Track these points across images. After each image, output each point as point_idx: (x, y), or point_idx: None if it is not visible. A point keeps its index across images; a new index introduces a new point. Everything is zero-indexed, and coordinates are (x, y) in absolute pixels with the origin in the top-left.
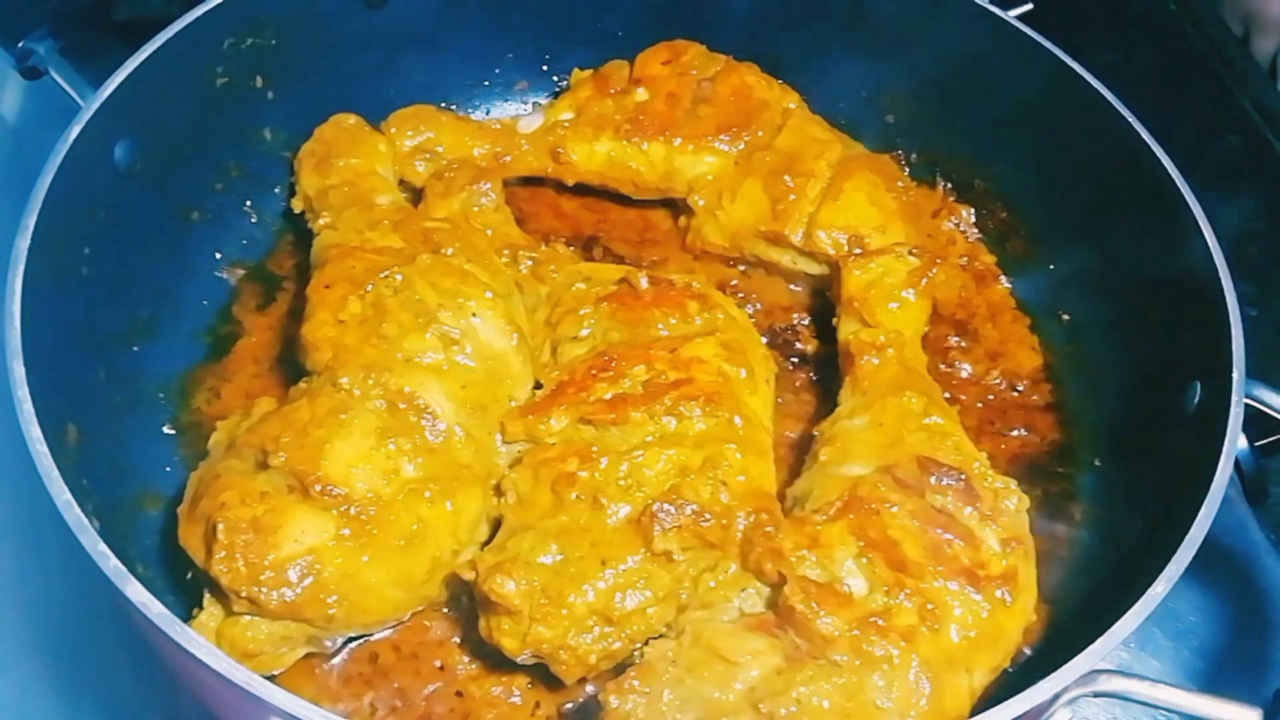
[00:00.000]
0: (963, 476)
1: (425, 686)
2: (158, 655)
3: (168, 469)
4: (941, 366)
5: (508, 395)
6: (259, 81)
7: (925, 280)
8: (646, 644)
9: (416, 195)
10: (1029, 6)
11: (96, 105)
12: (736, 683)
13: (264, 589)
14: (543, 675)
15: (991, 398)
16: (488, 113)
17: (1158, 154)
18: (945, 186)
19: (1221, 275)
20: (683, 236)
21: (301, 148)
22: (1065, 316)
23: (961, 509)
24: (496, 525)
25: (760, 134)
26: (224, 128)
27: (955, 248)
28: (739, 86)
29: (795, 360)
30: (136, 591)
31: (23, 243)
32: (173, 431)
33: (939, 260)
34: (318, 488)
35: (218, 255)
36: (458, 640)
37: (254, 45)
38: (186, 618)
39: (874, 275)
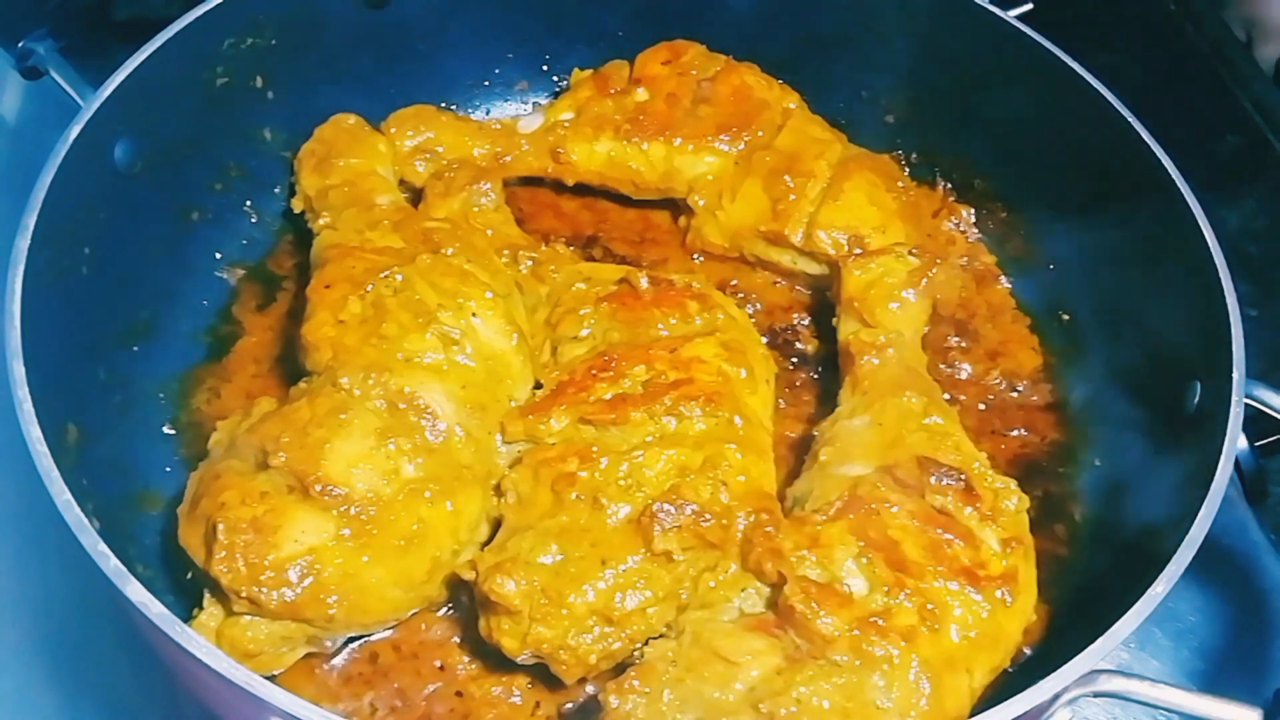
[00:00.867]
0: (963, 476)
1: (425, 686)
2: (158, 655)
3: (168, 469)
4: (941, 366)
5: (508, 395)
6: (259, 81)
7: (925, 280)
8: (646, 644)
9: (416, 195)
10: (1029, 6)
11: (96, 105)
12: (736, 683)
13: (264, 589)
14: (543, 675)
15: (991, 398)
16: (488, 113)
17: (1158, 154)
18: (945, 186)
19: (1221, 275)
20: (683, 236)
21: (301, 148)
22: (1065, 316)
23: (961, 509)
24: (496, 525)
25: (760, 134)
26: (224, 128)
27: (955, 248)
28: (739, 86)
29: (795, 360)
30: (136, 591)
31: (23, 243)
32: (173, 431)
33: (939, 260)
34: (318, 488)
35: (218, 255)
36: (458, 640)
37: (254, 45)
38: (186, 618)
39: (874, 275)
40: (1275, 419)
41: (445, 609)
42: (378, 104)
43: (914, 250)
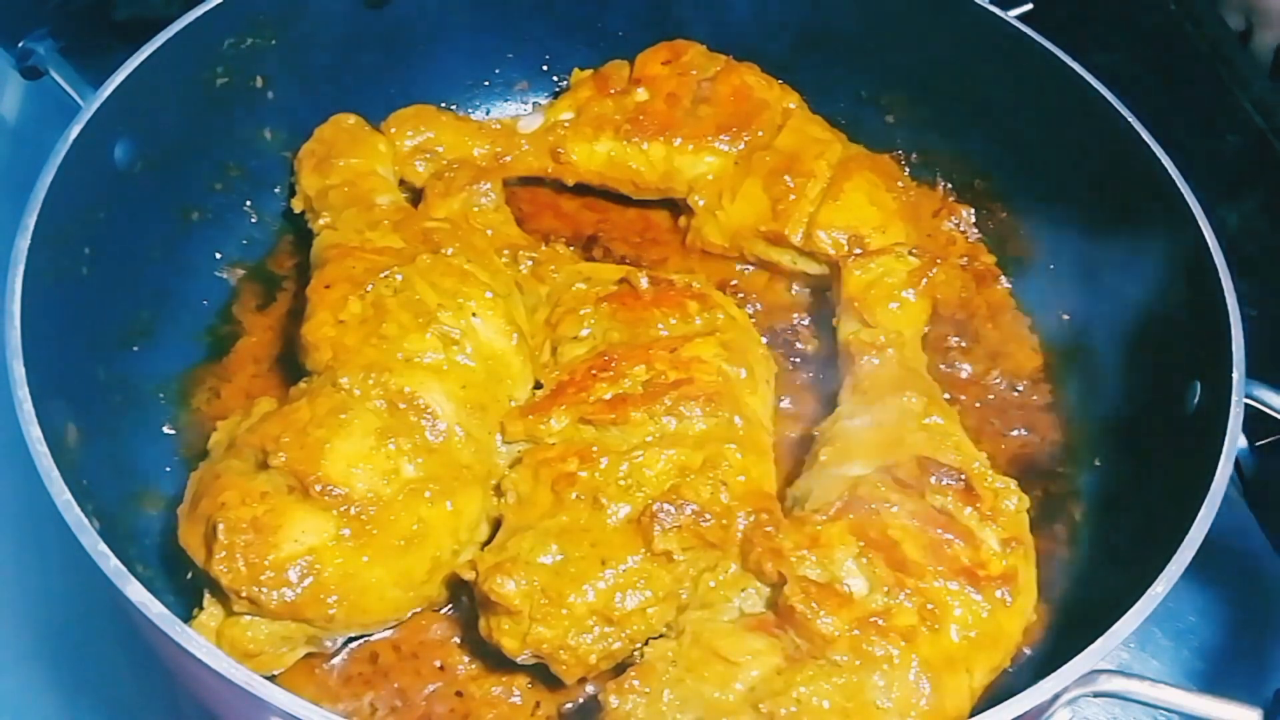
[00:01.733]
0: (963, 476)
1: (425, 686)
2: (158, 655)
3: (168, 469)
4: (941, 366)
5: (508, 395)
6: (259, 81)
7: (925, 280)
8: (646, 644)
9: (416, 195)
10: (1029, 6)
11: (96, 105)
12: (736, 683)
13: (264, 589)
14: (543, 675)
15: (991, 398)
16: (488, 113)
17: (1158, 154)
18: (945, 186)
19: (1221, 275)
20: (683, 236)
21: (301, 148)
22: (1065, 316)
23: (961, 509)
24: (497, 525)
25: (760, 134)
26: (224, 128)
27: (955, 248)
28: (739, 86)
29: (795, 360)
30: (136, 591)
31: (23, 243)
32: (173, 431)
33: (939, 260)
34: (318, 488)
35: (218, 255)
36: (458, 640)
37: (254, 45)
38: (186, 618)
39: (874, 275)
40: (1275, 419)
41: (445, 609)
42: (378, 104)
43: (914, 250)
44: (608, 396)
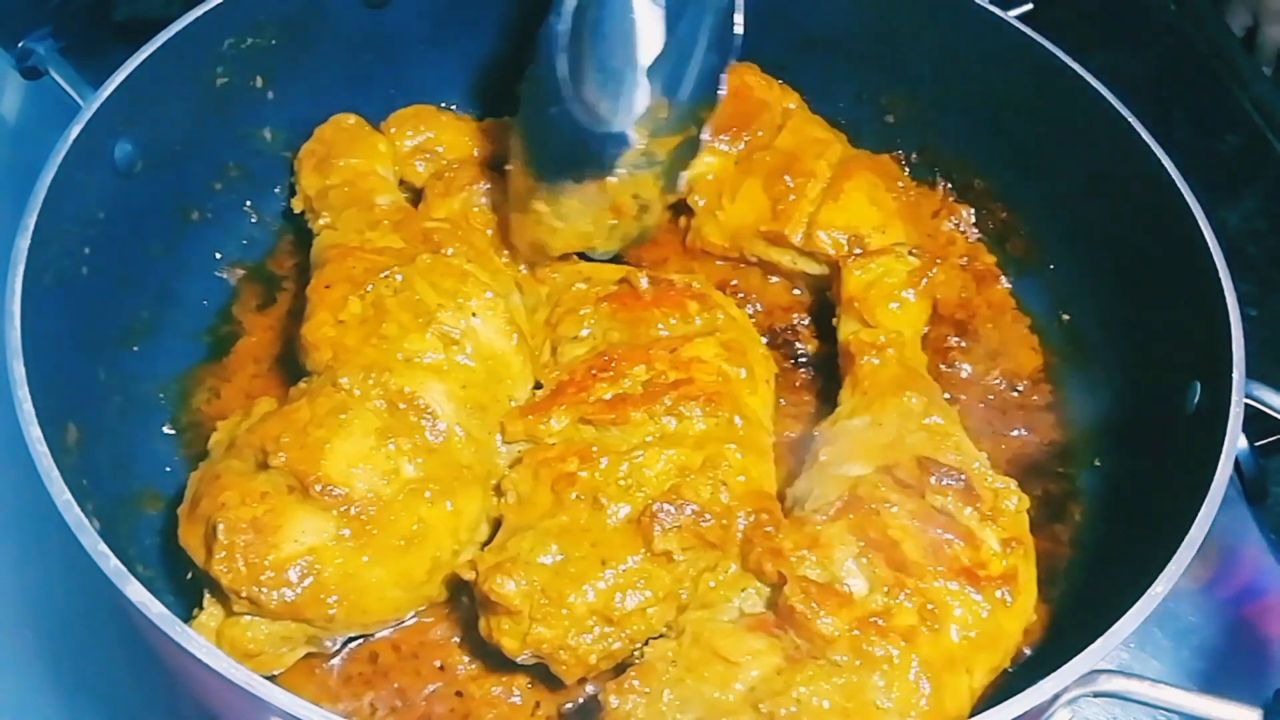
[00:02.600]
0: (963, 476)
1: (425, 686)
2: (158, 655)
3: (168, 469)
4: (941, 366)
5: (508, 395)
6: (259, 81)
7: (925, 280)
8: (647, 644)
9: (417, 195)
10: (1029, 6)
11: (96, 105)
12: (736, 683)
13: (264, 589)
14: (543, 675)
15: (991, 398)
16: (486, 116)
17: (1158, 154)
18: (945, 186)
19: (1221, 275)
20: (683, 236)
21: (302, 148)
22: (1065, 316)
23: (961, 509)
24: (497, 525)
25: (760, 134)
26: (224, 128)
27: (955, 248)
28: (739, 87)
29: (795, 360)
30: (136, 591)
31: (23, 242)
32: (173, 431)
33: (939, 260)
34: (318, 488)
35: (218, 255)
36: (458, 640)
37: (254, 45)
38: (187, 618)
39: (874, 275)
40: (1275, 419)
41: (445, 609)
42: (378, 104)
43: (914, 250)
44: (608, 396)
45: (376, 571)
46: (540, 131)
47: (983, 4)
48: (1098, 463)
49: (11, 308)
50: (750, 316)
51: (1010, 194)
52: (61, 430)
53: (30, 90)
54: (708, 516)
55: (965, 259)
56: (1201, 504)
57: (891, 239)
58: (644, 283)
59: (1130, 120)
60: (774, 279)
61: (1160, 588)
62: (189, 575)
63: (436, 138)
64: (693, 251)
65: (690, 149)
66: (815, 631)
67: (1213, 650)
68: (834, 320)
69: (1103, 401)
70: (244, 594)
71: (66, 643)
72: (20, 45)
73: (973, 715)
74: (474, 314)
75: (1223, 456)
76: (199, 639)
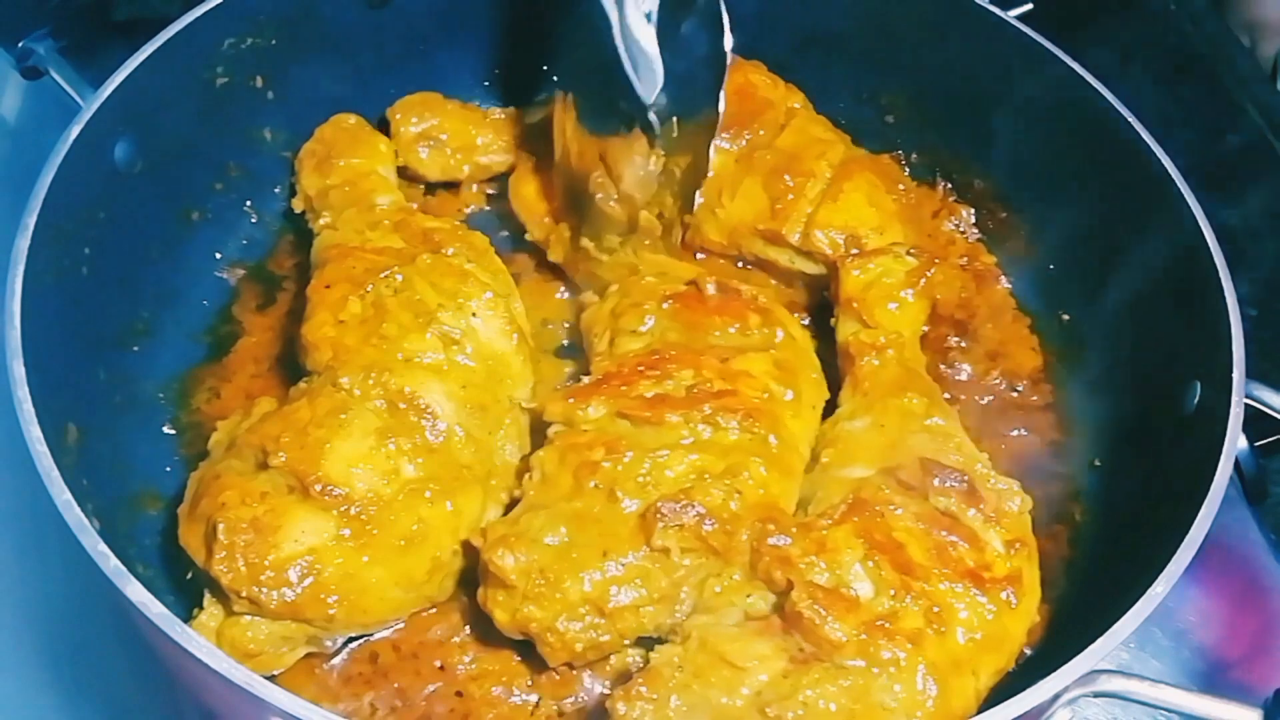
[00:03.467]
0: (965, 478)
1: (425, 686)
2: (158, 655)
3: (168, 469)
4: (941, 367)
5: (508, 395)
6: (259, 81)
7: (923, 280)
8: (652, 649)
9: (420, 184)
10: (1029, 6)
11: (96, 105)
12: (743, 687)
13: (264, 589)
14: (543, 676)
15: (991, 398)
16: (491, 105)
17: (1158, 154)
18: (945, 186)
19: (1221, 275)
20: (681, 233)
21: (302, 148)
22: (1065, 316)
23: (965, 510)
24: (514, 502)
25: (762, 133)
26: (224, 128)
27: (955, 248)
28: (743, 85)
29: None
30: (136, 592)
31: (23, 243)
32: (173, 431)
33: (937, 260)
34: (318, 488)
35: (218, 255)
36: (458, 640)
37: (254, 45)
38: (187, 618)
39: (872, 276)
40: (1275, 419)
41: (445, 609)
42: (378, 104)
43: (912, 250)
44: (649, 395)
45: (376, 571)
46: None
47: (983, 4)
48: (1098, 463)
49: (11, 308)
50: None
51: (1010, 194)
52: (61, 430)
53: (30, 90)
54: (711, 520)
55: (965, 259)
56: (1201, 504)
57: (889, 240)
58: (711, 288)
59: (1130, 120)
60: (773, 279)
61: (1160, 588)
62: (189, 575)
63: (441, 125)
64: (691, 249)
65: (700, 167)
66: (824, 637)
67: (1213, 650)
68: (833, 321)
69: (1103, 401)
70: (244, 594)
71: (66, 643)
72: (20, 45)
73: (973, 716)
74: (474, 314)
75: (1223, 457)
76: (199, 639)
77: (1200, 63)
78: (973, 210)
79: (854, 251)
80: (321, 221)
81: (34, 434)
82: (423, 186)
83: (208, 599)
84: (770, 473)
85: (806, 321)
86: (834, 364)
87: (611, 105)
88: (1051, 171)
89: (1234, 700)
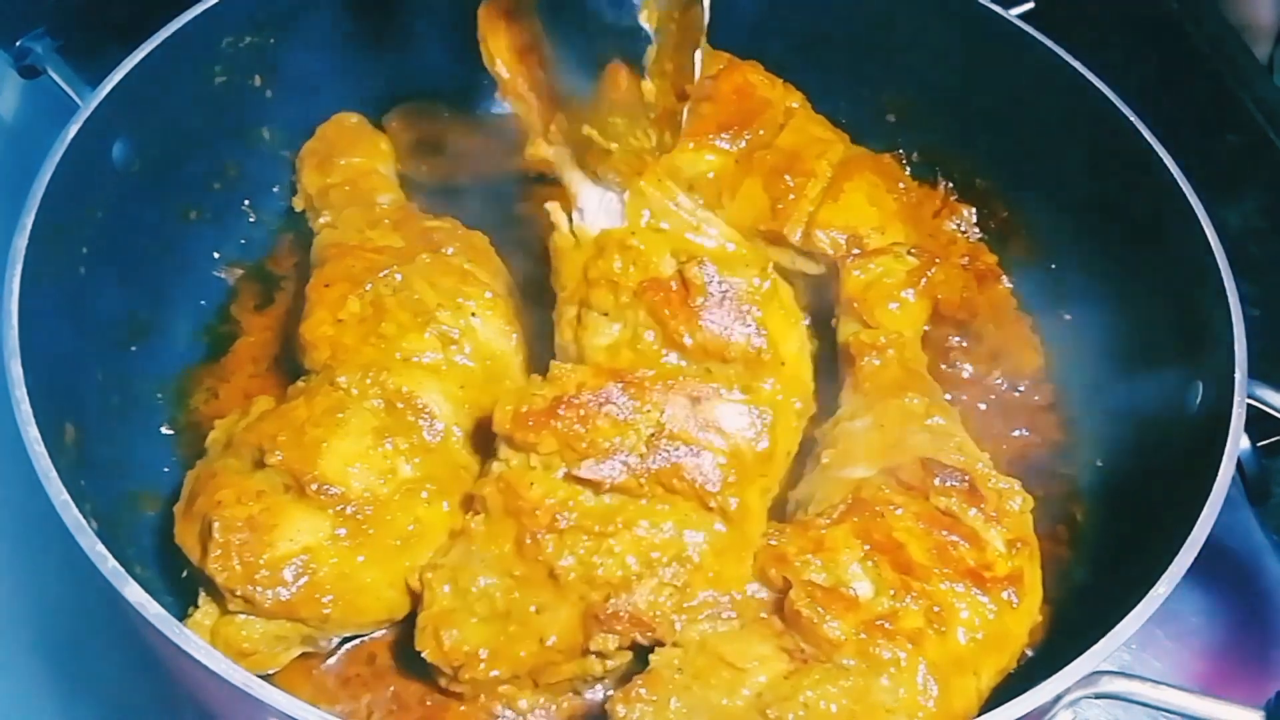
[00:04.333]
0: (966, 478)
1: (423, 688)
2: (155, 655)
3: (165, 469)
4: (943, 367)
5: None
6: (258, 81)
7: (924, 280)
8: (651, 650)
9: (417, 191)
10: (1029, 6)
11: (95, 104)
12: (744, 689)
13: (259, 588)
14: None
15: (993, 398)
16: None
17: (1158, 153)
18: (946, 186)
19: (1223, 275)
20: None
21: (303, 146)
22: (1066, 316)
23: (966, 510)
24: None
25: (761, 133)
26: (223, 127)
27: (957, 247)
28: (741, 85)
29: None
30: (134, 592)
31: (21, 242)
32: (171, 431)
33: (938, 260)
34: (314, 487)
35: (216, 255)
36: None
37: (253, 44)
38: (184, 618)
39: (873, 276)
40: (1277, 419)
41: None
42: (378, 103)
43: (913, 250)
44: (605, 444)
45: (372, 571)
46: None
47: (984, 3)
48: (1099, 463)
49: (10, 307)
50: None
51: (1011, 194)
52: (59, 430)
53: (28, 89)
54: (650, 630)
55: (966, 259)
56: (1203, 504)
57: (890, 240)
58: (707, 270)
59: (1131, 120)
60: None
61: (1162, 588)
62: (185, 574)
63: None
64: None
65: (697, 23)
66: (822, 636)
67: (1214, 651)
68: (833, 321)
69: (1104, 401)
70: (239, 592)
71: (65, 643)
72: (18, 44)
73: (975, 717)
74: (473, 314)
75: (1225, 457)
76: (196, 639)
77: (1201, 62)
78: (974, 210)
79: (855, 251)
80: (322, 220)
81: (32, 434)
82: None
83: (203, 598)
84: (726, 557)
85: (807, 321)
86: (834, 365)
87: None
88: (1052, 171)
89: (1235, 701)
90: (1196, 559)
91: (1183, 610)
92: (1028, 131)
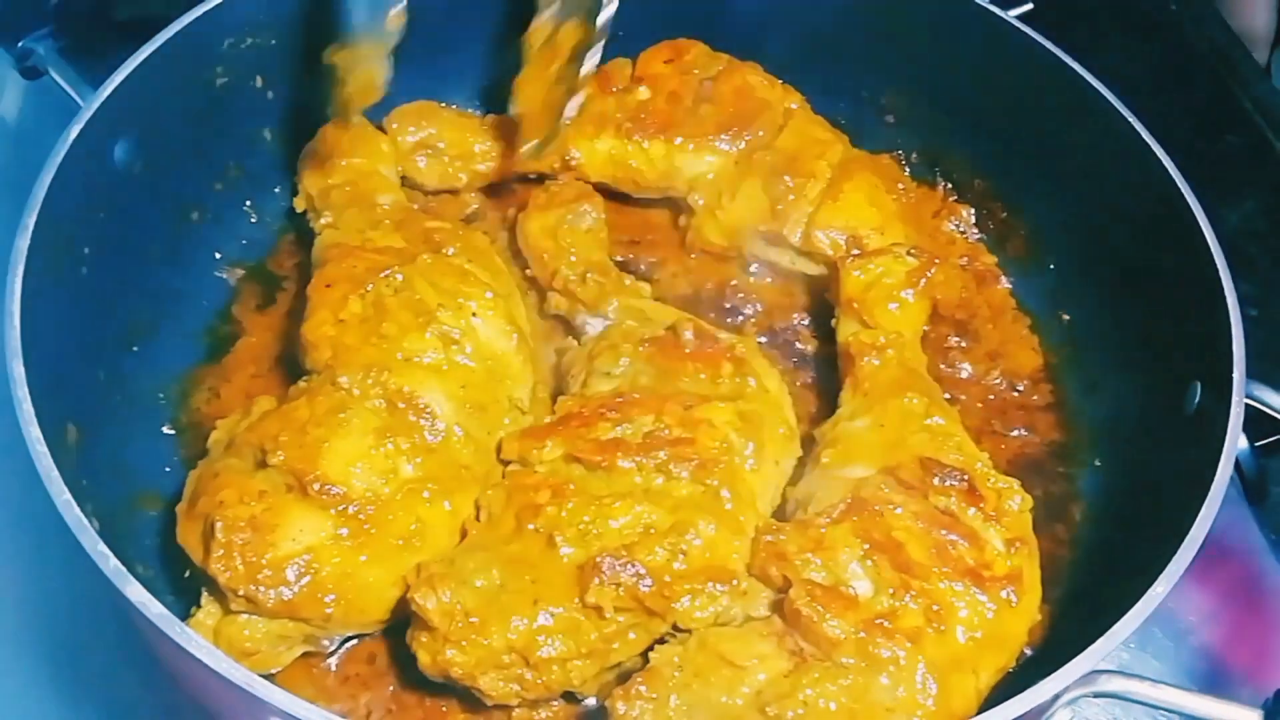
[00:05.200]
0: (966, 477)
1: (422, 687)
2: (157, 655)
3: (167, 469)
4: (942, 367)
5: (507, 395)
6: (259, 81)
7: (924, 280)
8: (651, 649)
9: (420, 191)
10: (1029, 6)
11: (96, 105)
12: (743, 687)
13: (262, 588)
14: None
15: (992, 398)
16: (488, 112)
17: (1158, 154)
18: (945, 186)
19: (1222, 275)
20: (682, 236)
21: (304, 147)
22: (1065, 316)
23: (965, 510)
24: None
25: (761, 134)
26: (224, 128)
27: (955, 248)
28: (741, 86)
29: (795, 360)
30: (136, 592)
31: (22, 243)
32: (172, 431)
33: (937, 260)
34: (316, 486)
35: (217, 255)
36: None
37: (254, 45)
38: (186, 618)
39: (873, 276)
40: (1276, 419)
41: None
42: (379, 104)
43: (912, 250)
44: (606, 438)
45: (374, 571)
46: None
47: (983, 4)
48: (1098, 463)
49: (11, 308)
50: (750, 317)
51: (1010, 194)
52: (61, 430)
53: (30, 90)
54: (649, 581)
55: (965, 259)
56: (1202, 504)
57: (890, 240)
58: (688, 334)
59: (1130, 120)
60: (774, 279)
61: (1161, 588)
62: (187, 574)
63: (438, 134)
64: (692, 251)
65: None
66: (821, 635)
67: (1213, 650)
68: (833, 322)
69: (1103, 401)
70: (241, 592)
71: (66, 643)
72: (20, 45)
73: (973, 716)
74: (474, 314)
75: (1223, 456)
76: (199, 639)
77: (1200, 63)
78: (973, 210)
79: (855, 252)
80: (323, 221)
81: (34, 434)
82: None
83: (205, 597)
84: (719, 532)
85: (807, 322)
86: (835, 365)
87: None
88: (1051, 171)
89: (1234, 701)
90: (1195, 558)
91: (1181, 610)
92: (1027, 132)
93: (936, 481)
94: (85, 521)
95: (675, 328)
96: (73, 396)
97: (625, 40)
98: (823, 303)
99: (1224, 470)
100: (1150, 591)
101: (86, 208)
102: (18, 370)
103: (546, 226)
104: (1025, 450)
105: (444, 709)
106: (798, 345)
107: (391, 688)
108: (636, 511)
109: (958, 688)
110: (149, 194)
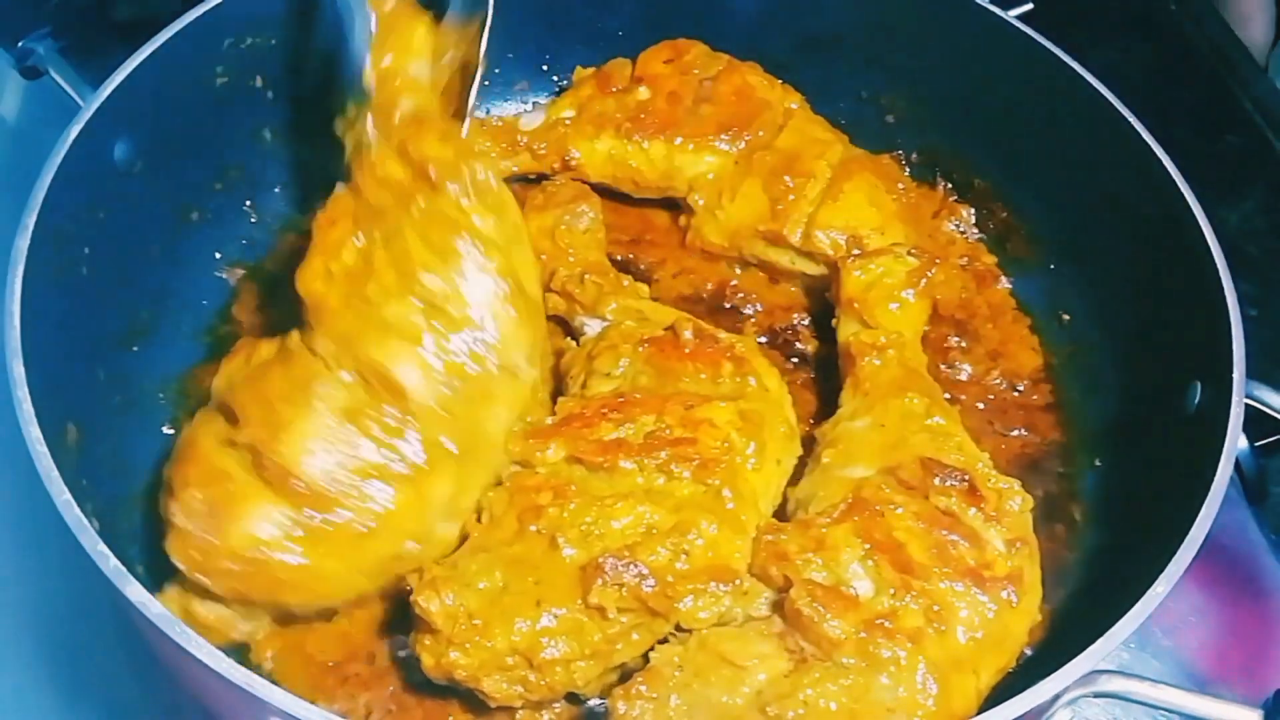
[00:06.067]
0: (966, 477)
1: (422, 687)
2: (157, 655)
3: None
4: (942, 367)
5: (498, 363)
6: (259, 81)
7: (924, 280)
8: (652, 649)
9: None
10: (1029, 6)
11: (96, 105)
12: (744, 687)
13: (212, 577)
14: None
15: (992, 398)
16: (487, 112)
17: (1158, 154)
18: (945, 186)
19: (1222, 275)
20: (682, 236)
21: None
22: (1065, 316)
23: (966, 510)
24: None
25: (761, 134)
26: (224, 128)
27: (955, 248)
28: (741, 86)
29: (795, 360)
30: (136, 591)
31: (22, 243)
32: (172, 431)
33: (937, 260)
34: (276, 470)
35: (217, 255)
36: None
37: (254, 45)
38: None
39: (873, 276)
40: (1276, 419)
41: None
42: None
43: (913, 250)
44: (608, 438)
45: (331, 562)
46: None
47: (983, 4)
48: (1098, 463)
49: (11, 308)
50: (750, 317)
51: (1010, 194)
52: (61, 430)
53: (30, 90)
54: (652, 581)
55: (965, 259)
56: (1202, 504)
57: (890, 240)
58: (688, 334)
59: (1130, 120)
60: (774, 279)
61: (1161, 588)
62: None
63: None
64: (692, 251)
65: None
66: (822, 635)
67: (1213, 650)
68: (834, 322)
69: (1103, 401)
70: (192, 578)
71: (66, 643)
72: (20, 45)
73: (974, 716)
74: (463, 274)
75: (1223, 457)
76: (198, 639)
77: (1200, 63)
78: (973, 210)
79: (855, 252)
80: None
81: (34, 434)
82: None
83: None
84: (721, 531)
85: (807, 322)
86: (835, 365)
87: None
88: (1051, 171)
89: (1234, 701)
90: (1195, 558)
91: (1181, 610)
92: (1027, 132)
93: (937, 482)
94: (85, 521)
95: (675, 327)
96: (73, 396)
97: (625, 40)
98: (823, 303)
99: (1224, 470)
100: (1150, 591)
101: (86, 207)
102: (18, 370)
103: (544, 227)
104: (1025, 450)
105: (445, 709)
106: (798, 345)
107: (391, 688)
108: (639, 512)
109: (958, 688)
110: (149, 194)
